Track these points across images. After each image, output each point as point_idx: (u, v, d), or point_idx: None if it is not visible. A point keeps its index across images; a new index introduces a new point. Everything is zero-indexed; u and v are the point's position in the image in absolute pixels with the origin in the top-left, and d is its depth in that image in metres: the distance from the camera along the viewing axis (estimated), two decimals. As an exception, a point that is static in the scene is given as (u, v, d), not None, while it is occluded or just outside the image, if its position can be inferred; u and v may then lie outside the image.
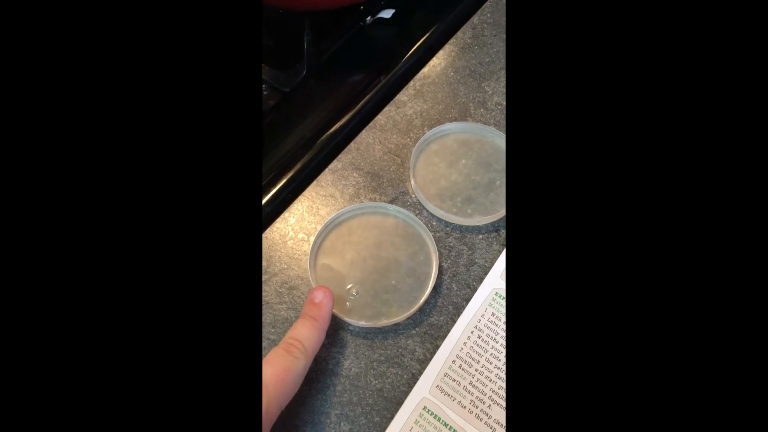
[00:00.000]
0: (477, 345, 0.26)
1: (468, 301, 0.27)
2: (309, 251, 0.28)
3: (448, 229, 0.30)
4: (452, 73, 0.37)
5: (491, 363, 0.26)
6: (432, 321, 0.27)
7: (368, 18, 0.41)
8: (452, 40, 0.38)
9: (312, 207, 0.31)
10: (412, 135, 0.34)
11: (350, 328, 0.27)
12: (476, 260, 0.29)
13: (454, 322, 0.27)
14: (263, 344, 0.26)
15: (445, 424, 0.24)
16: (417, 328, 0.27)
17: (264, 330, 0.27)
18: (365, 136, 0.34)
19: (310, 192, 0.32)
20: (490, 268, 0.29)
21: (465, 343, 0.26)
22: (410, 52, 0.38)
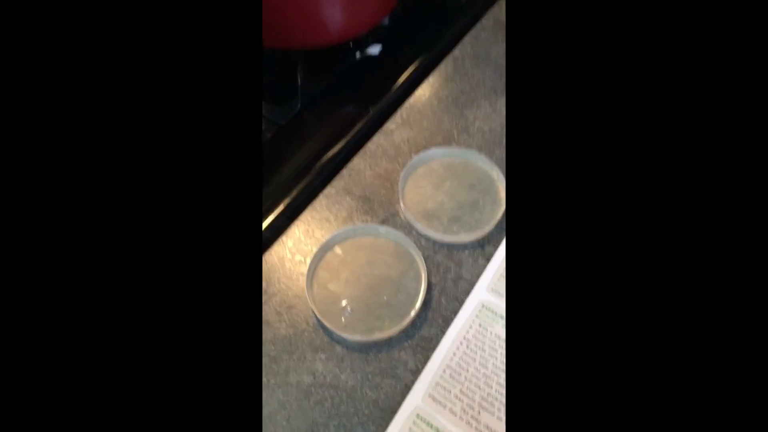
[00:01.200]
0: (466, 355, 0.28)
1: (456, 313, 0.29)
2: (306, 272, 0.30)
3: (435, 247, 0.32)
4: (436, 102, 0.39)
5: (479, 371, 0.27)
6: (423, 333, 0.29)
7: (357, 54, 0.44)
8: (435, 72, 0.41)
9: (308, 230, 0.33)
10: (400, 160, 0.36)
11: (346, 342, 0.28)
12: (463, 275, 0.31)
13: (444, 333, 0.28)
14: (264, 360, 0.28)
15: (437, 430, 0.25)
16: (409, 341, 0.28)
17: (264, 347, 0.28)
18: (356, 163, 0.36)
19: (305, 216, 0.34)
20: (476, 282, 0.30)
21: (455, 354, 0.28)
22: (397, 84, 0.41)
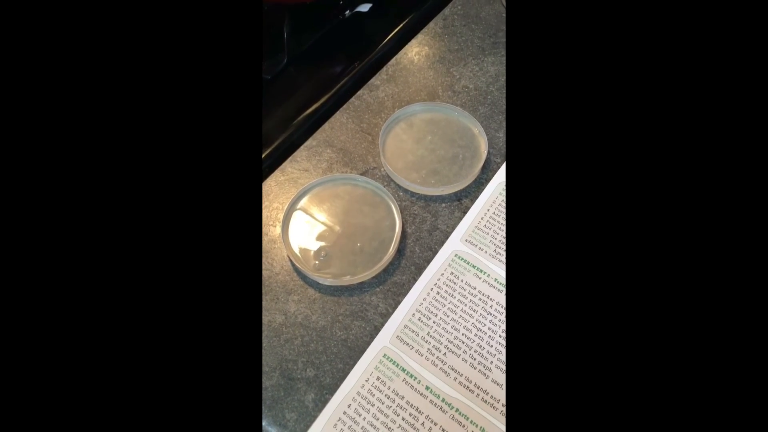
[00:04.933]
0: (436, 300, 0.28)
1: (429, 262, 0.29)
2: (282, 219, 0.30)
3: (413, 198, 0.32)
4: (423, 60, 0.39)
5: (448, 316, 0.27)
6: (395, 280, 0.29)
7: (347, 12, 0.43)
8: (424, 30, 0.41)
9: (288, 180, 0.33)
10: (383, 115, 0.36)
11: (318, 286, 0.29)
12: (438, 226, 0.31)
13: (416, 280, 0.29)
14: (238, 301, 0.28)
15: (403, 369, 0.26)
16: (381, 286, 0.29)
17: (239, 289, 0.29)
18: (339, 117, 0.36)
19: (286, 167, 0.34)
20: (450, 232, 0.31)
21: (425, 299, 0.28)
22: (384, 41, 0.41)
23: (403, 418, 0.25)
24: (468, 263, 0.29)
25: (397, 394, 0.25)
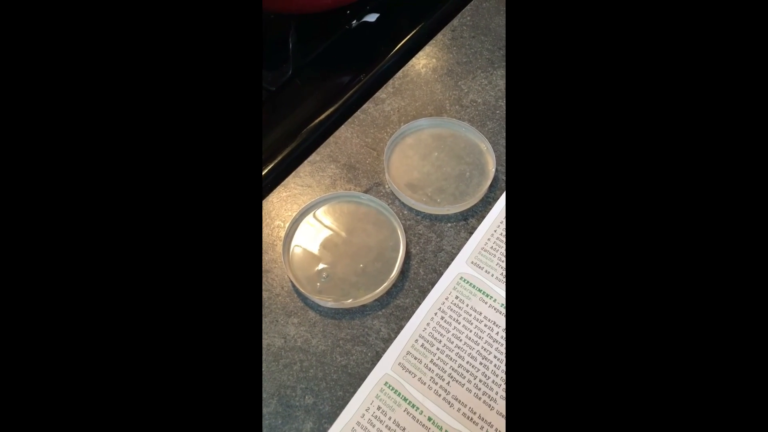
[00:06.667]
0: (439, 326, 0.27)
1: (433, 284, 0.29)
2: (283, 237, 0.30)
3: (418, 217, 0.31)
4: (430, 73, 0.38)
5: (452, 342, 0.27)
6: (398, 303, 0.28)
7: (354, 22, 0.42)
8: (432, 42, 0.40)
9: (290, 196, 0.32)
10: (389, 130, 0.35)
11: (319, 308, 0.28)
12: (444, 247, 0.30)
13: (419, 304, 0.28)
14: (236, 323, 0.28)
15: (405, 399, 0.25)
16: (383, 310, 0.28)
17: (238, 310, 0.28)
18: (344, 131, 0.35)
19: (288, 182, 0.33)
20: (456, 254, 0.30)
21: (428, 324, 0.27)
22: (391, 52, 0.40)
23: (404, 451, 0.24)
24: (474, 287, 0.28)
25: (398, 426, 0.24)
